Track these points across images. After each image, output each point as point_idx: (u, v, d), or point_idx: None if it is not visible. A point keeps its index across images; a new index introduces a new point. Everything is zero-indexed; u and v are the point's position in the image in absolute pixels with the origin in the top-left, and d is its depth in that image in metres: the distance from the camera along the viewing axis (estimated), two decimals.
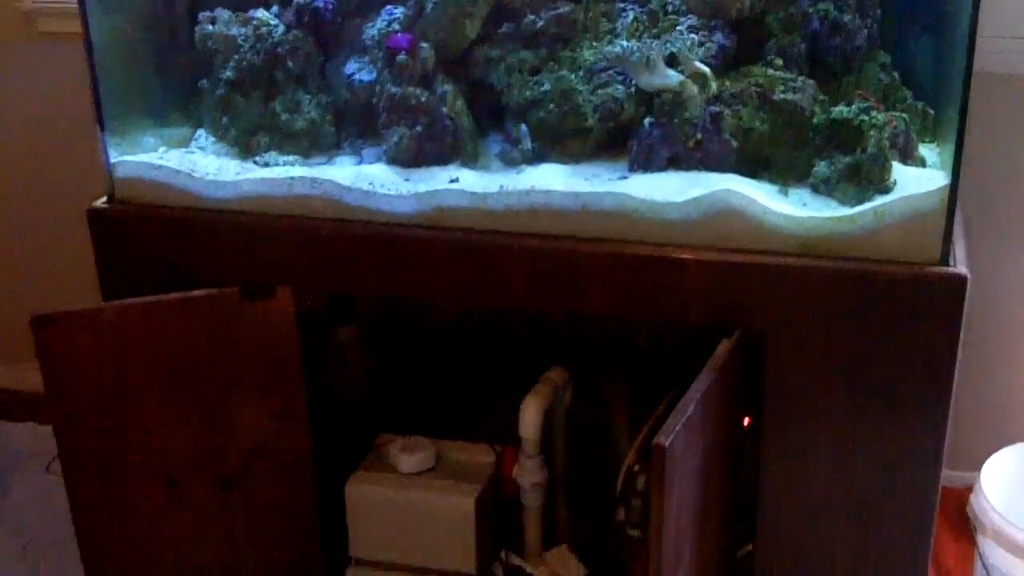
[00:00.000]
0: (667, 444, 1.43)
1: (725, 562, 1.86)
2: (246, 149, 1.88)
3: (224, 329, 1.84)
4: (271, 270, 1.83)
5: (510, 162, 1.80)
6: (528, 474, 2.02)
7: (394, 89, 1.79)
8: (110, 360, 1.82)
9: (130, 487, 1.89)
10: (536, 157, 1.79)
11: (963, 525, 2.14)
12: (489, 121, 1.86)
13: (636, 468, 1.93)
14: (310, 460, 1.94)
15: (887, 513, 1.71)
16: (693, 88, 1.70)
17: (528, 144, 1.77)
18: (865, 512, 1.71)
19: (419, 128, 1.78)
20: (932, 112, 1.80)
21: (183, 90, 1.98)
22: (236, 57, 1.88)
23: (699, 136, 1.69)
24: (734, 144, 1.70)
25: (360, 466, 2.06)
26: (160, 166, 1.86)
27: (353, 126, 1.90)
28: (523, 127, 1.78)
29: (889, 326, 1.61)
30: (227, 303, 1.83)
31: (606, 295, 1.70)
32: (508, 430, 2.02)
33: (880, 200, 1.62)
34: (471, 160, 1.82)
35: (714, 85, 1.71)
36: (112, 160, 1.87)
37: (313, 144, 1.87)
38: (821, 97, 1.74)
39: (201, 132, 1.97)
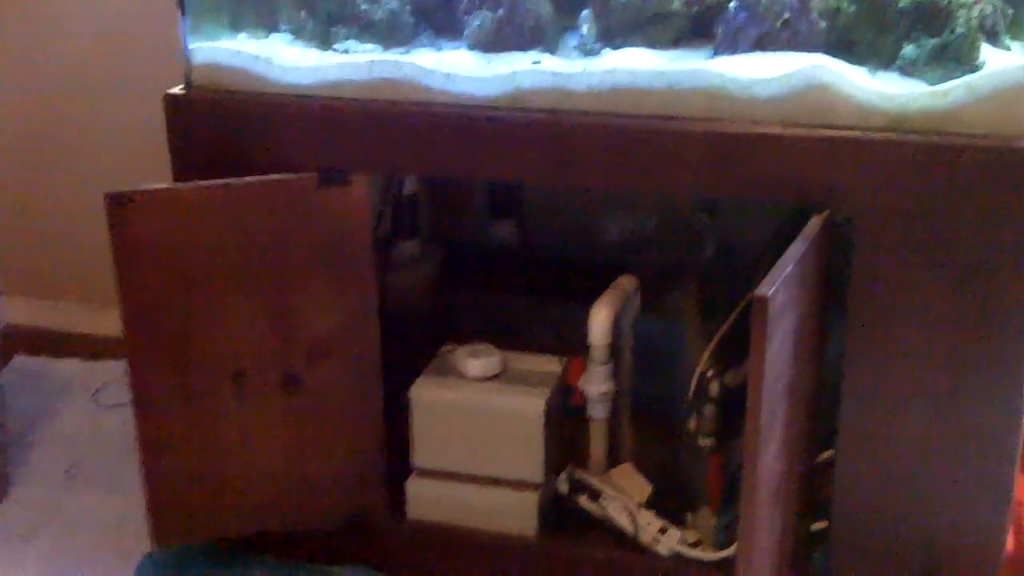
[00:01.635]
0: (769, 294, 1.40)
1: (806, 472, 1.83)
2: (324, 41, 1.87)
3: (299, 216, 1.82)
4: (350, 156, 1.81)
5: (588, 53, 1.79)
6: (596, 383, 1.99)
7: None
8: (183, 243, 1.80)
9: (195, 379, 1.87)
10: (610, 44, 1.78)
11: None
12: (571, 15, 1.84)
13: (709, 374, 1.91)
14: (379, 361, 1.92)
15: (971, 409, 1.68)
16: None
17: (589, 30, 1.76)
18: (949, 407, 1.68)
19: (500, 11, 1.77)
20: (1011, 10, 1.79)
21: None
22: None
23: (787, 15, 1.68)
24: (822, 24, 1.69)
25: (425, 371, 2.03)
26: (238, 52, 1.85)
27: (432, 20, 1.89)
28: (584, 12, 1.77)
29: (983, 203, 1.59)
30: (304, 188, 1.81)
31: (694, 173, 1.68)
32: (574, 344, 2.00)
33: (972, 76, 1.60)
34: (551, 49, 1.80)
35: None
36: (190, 46, 1.86)
37: (392, 35, 1.86)
38: None
39: (276, 35, 1.95)
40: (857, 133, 1.62)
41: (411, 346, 2.08)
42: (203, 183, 1.80)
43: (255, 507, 1.94)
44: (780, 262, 1.50)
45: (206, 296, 1.82)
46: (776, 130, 1.65)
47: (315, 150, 1.82)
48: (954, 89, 1.60)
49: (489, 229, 2.28)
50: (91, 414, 2.48)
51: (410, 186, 2.16)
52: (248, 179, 1.80)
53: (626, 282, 2.02)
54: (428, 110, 1.77)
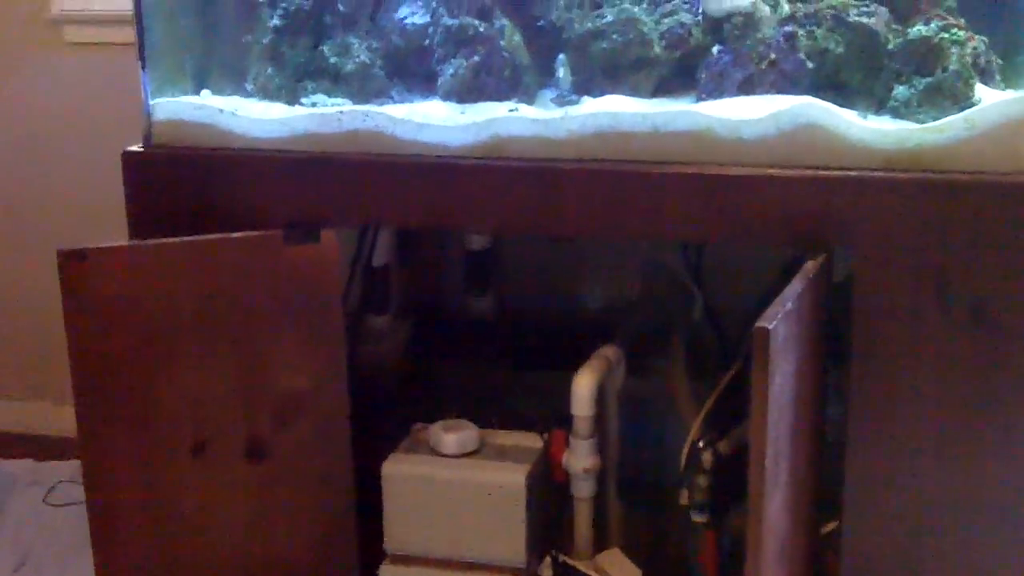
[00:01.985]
0: (771, 327, 1.31)
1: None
2: (291, 95, 1.80)
3: (264, 274, 1.73)
4: (320, 210, 1.72)
5: (565, 103, 1.72)
6: (580, 458, 1.87)
7: (450, 21, 1.72)
8: (140, 303, 1.70)
9: (154, 448, 1.74)
10: (589, 94, 1.71)
11: None
12: (547, 64, 1.78)
13: (701, 443, 1.81)
14: (348, 427, 1.80)
15: (977, 441, 1.58)
16: (764, 8, 1.64)
17: (565, 75, 1.69)
18: (962, 456, 1.58)
19: (476, 58, 1.71)
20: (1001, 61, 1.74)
21: (225, 57, 1.91)
22: (284, 3, 1.81)
23: (772, 56, 1.63)
24: (809, 65, 1.63)
25: (398, 448, 1.91)
26: (202, 105, 1.78)
27: (404, 74, 1.82)
28: (560, 56, 1.71)
29: (988, 240, 1.52)
30: (269, 246, 1.72)
31: (684, 217, 1.60)
32: (556, 419, 1.89)
33: (969, 110, 1.54)
34: (528, 99, 1.74)
35: (786, 6, 1.65)
36: (151, 102, 1.78)
37: (362, 88, 1.79)
38: (894, 26, 1.68)
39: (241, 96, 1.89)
40: (852, 172, 1.55)
41: (382, 423, 1.97)
42: (162, 240, 1.70)
43: None
44: (778, 299, 1.41)
45: (165, 359, 1.71)
46: (769, 171, 1.57)
47: (283, 205, 1.74)
48: (951, 124, 1.54)
49: (464, 303, 2.19)
50: (42, 512, 2.34)
51: (381, 257, 2.07)
52: (210, 236, 1.71)
53: (609, 352, 1.92)
54: (401, 160, 1.69)
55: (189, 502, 1.77)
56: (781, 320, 1.35)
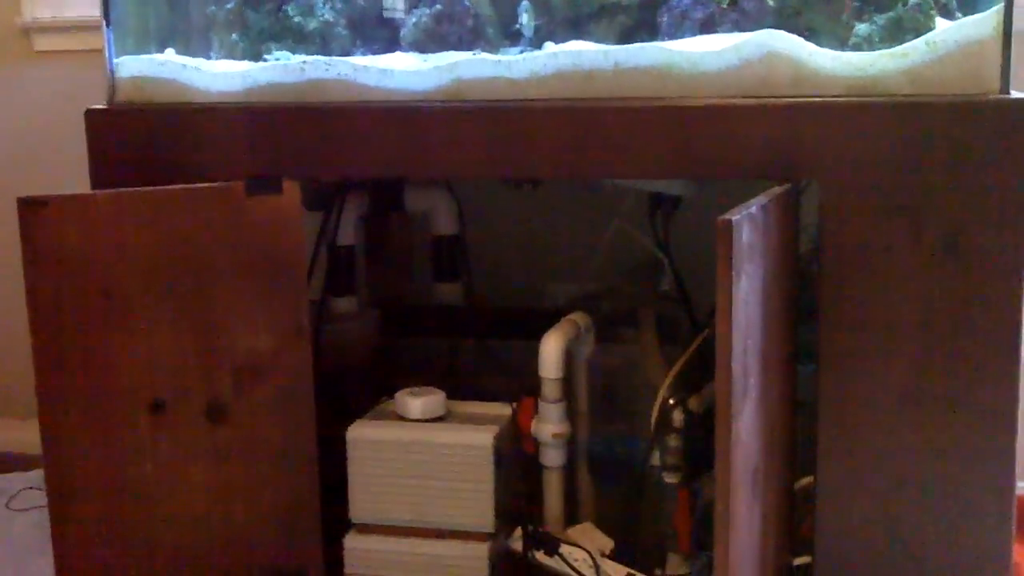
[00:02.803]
0: (734, 219, 1.29)
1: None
2: (255, 56, 1.80)
3: (225, 227, 1.70)
4: (283, 163, 1.71)
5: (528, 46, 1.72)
6: (549, 423, 1.83)
7: None
8: (100, 254, 1.67)
9: (111, 408, 1.69)
10: (551, 40, 1.72)
11: None
12: (511, 16, 1.78)
13: (672, 402, 1.77)
14: (312, 389, 1.76)
15: (953, 377, 1.55)
16: None
17: (529, 22, 1.70)
18: (931, 380, 1.55)
19: (439, 6, 1.71)
20: None
21: (190, 21, 1.91)
22: None
23: None
24: (770, 2, 1.64)
25: (363, 416, 1.87)
26: (165, 62, 1.77)
27: (367, 35, 1.82)
28: (524, 2, 1.71)
29: (952, 165, 1.51)
30: (230, 197, 1.70)
31: (651, 153, 1.59)
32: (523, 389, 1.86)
33: (931, 33, 1.55)
34: (492, 51, 1.73)
35: None
36: (115, 60, 1.77)
37: (326, 47, 1.79)
38: None
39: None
40: (817, 99, 1.54)
41: (347, 401, 1.92)
42: (122, 190, 1.68)
43: (173, 558, 1.73)
44: (741, 205, 1.39)
45: (124, 312, 1.68)
46: (732, 101, 1.56)
47: (246, 158, 1.72)
48: (913, 48, 1.54)
49: (432, 290, 2.16)
50: (2, 518, 2.26)
51: (345, 239, 2.05)
52: (171, 187, 1.69)
53: (578, 317, 1.89)
54: (364, 107, 1.68)
55: (148, 464, 1.71)
56: (745, 219, 1.33)
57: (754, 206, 1.38)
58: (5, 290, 2.53)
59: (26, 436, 2.53)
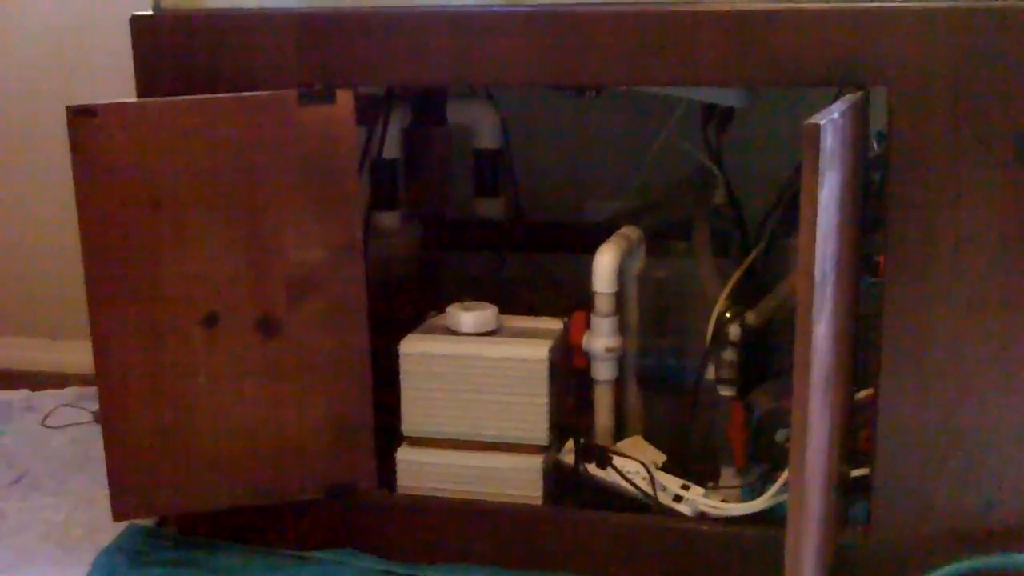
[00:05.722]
0: (822, 122, 1.26)
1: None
2: None
3: (276, 138, 1.66)
4: (335, 72, 1.67)
5: None
6: (601, 337, 1.82)
7: None
8: (151, 164, 1.64)
9: (163, 321, 1.68)
10: None
11: None
12: None
13: (729, 315, 1.75)
14: (365, 303, 1.73)
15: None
16: None
17: None
18: (996, 290, 1.53)
19: None
20: None
21: None
22: None
23: None
24: None
25: (415, 330, 1.85)
26: None
27: None
28: None
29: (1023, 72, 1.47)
30: (283, 105, 1.66)
31: (714, 58, 1.55)
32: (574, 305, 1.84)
33: None
34: None
35: None
36: None
37: None
38: None
39: None
40: (885, 4, 1.51)
41: (394, 317, 1.90)
42: (173, 98, 1.65)
43: (225, 472, 1.72)
44: (822, 112, 1.36)
45: (175, 225, 1.65)
46: (801, 6, 1.53)
47: (293, 66, 1.68)
48: None
49: (476, 205, 2.13)
50: (39, 435, 2.26)
51: (390, 151, 2.02)
52: (222, 95, 1.65)
53: (631, 231, 1.87)
54: (419, 12, 1.64)
55: (201, 377, 1.70)
56: (830, 124, 1.30)
57: (835, 112, 1.35)
58: (38, 211, 2.51)
59: (57, 356, 2.53)
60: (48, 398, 2.40)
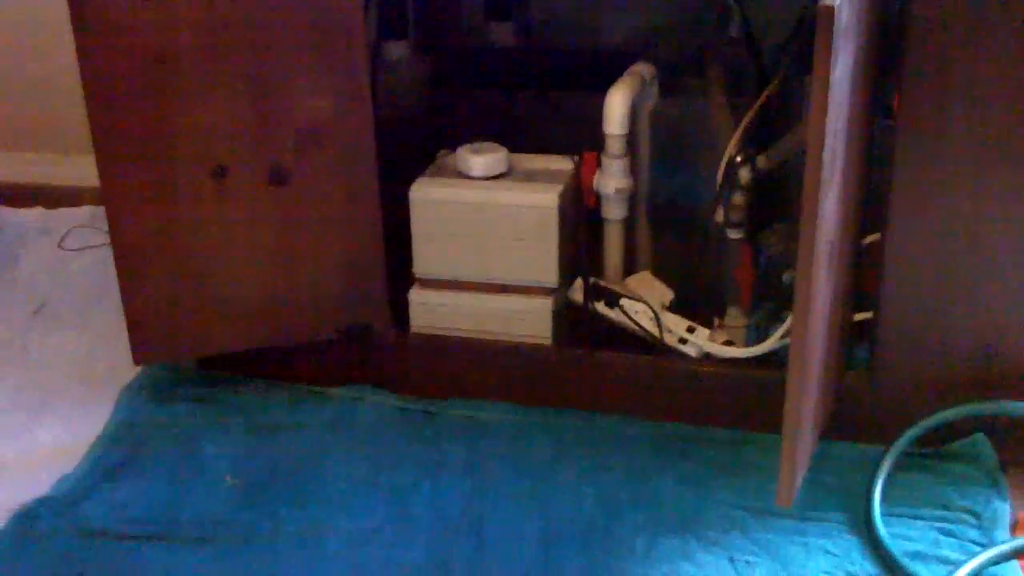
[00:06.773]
0: (836, 3, 1.22)
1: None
2: None
3: None
4: None
5: None
6: (612, 178, 1.81)
7: None
8: (155, 17, 1.60)
9: (172, 175, 1.68)
10: None
11: None
12: None
13: (739, 159, 1.74)
14: (374, 151, 1.73)
15: None
16: None
17: None
18: (1007, 145, 1.51)
19: None
20: None
21: None
22: None
23: None
24: None
25: (425, 172, 1.85)
26: None
27: None
28: None
29: None
30: None
31: None
32: (586, 143, 1.82)
33: None
34: None
35: None
36: None
37: None
38: None
39: None
40: None
41: (405, 152, 1.89)
42: None
43: (242, 318, 1.76)
44: None
45: (181, 78, 1.63)
46: None
47: None
48: None
49: (486, 31, 2.09)
50: (56, 258, 2.28)
51: None
52: None
53: (643, 68, 1.84)
54: None
55: (213, 227, 1.71)
56: (842, 5, 1.26)
57: None
58: (40, 24, 2.47)
59: (70, 171, 2.53)
60: (63, 218, 2.41)
